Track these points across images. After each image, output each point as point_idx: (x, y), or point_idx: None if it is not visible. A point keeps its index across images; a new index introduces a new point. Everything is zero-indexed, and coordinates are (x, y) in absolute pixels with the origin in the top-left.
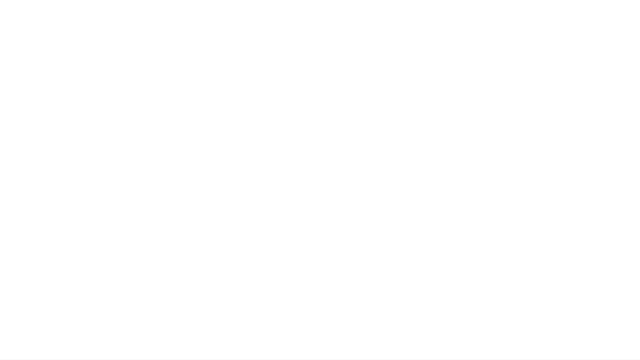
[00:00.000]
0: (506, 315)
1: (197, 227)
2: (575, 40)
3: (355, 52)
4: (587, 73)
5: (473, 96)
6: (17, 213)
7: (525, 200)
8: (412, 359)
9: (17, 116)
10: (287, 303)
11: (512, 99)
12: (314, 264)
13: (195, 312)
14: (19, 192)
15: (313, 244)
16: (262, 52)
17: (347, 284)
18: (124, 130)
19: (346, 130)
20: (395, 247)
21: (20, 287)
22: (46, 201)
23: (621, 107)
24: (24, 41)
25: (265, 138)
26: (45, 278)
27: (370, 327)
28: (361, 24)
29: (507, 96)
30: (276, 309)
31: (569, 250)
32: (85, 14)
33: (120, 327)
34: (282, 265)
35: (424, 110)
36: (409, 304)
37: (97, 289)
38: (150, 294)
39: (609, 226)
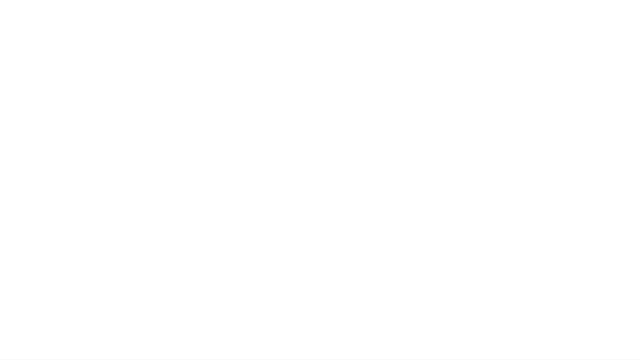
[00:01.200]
0: (505, 315)
1: (197, 227)
2: (575, 40)
3: (355, 52)
4: (587, 73)
5: (473, 96)
6: (17, 213)
7: (525, 200)
8: (412, 359)
9: (17, 116)
10: (286, 303)
11: (512, 99)
12: (313, 264)
13: (195, 312)
14: (19, 192)
15: (312, 243)
16: (262, 52)
17: (347, 284)
18: (124, 130)
19: (346, 130)
20: (394, 247)
21: (20, 287)
22: (46, 201)
23: (621, 107)
24: (24, 41)
25: (265, 138)
26: (45, 278)
27: (369, 327)
28: (361, 24)
29: (507, 96)
30: (276, 309)
31: (569, 250)
32: (85, 14)
33: (120, 327)
34: (281, 265)
35: (424, 110)
36: (409, 304)
37: (97, 289)
38: (150, 294)
39: (609, 226)
